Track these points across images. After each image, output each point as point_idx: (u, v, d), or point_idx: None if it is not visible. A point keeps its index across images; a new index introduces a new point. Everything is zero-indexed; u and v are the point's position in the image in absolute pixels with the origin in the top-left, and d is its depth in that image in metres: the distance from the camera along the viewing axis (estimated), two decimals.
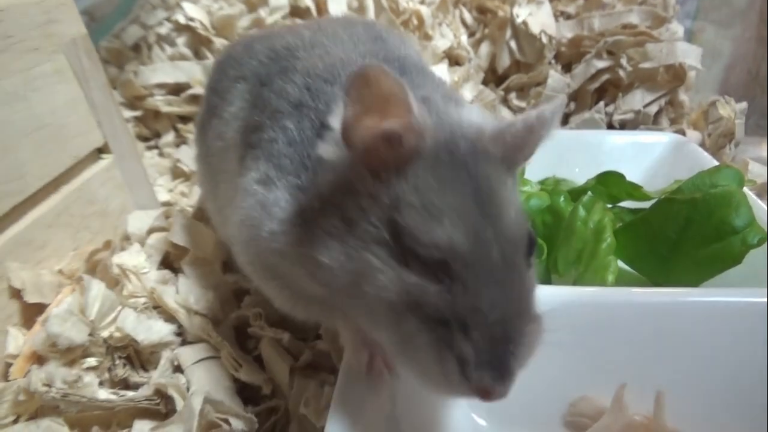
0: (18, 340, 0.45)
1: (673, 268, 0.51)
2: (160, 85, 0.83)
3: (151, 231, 0.58)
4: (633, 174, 0.65)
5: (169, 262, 0.56)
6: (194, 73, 0.83)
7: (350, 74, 0.30)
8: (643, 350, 0.42)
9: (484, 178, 0.32)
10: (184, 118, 0.84)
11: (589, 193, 0.56)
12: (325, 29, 0.46)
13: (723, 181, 0.51)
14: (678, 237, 0.50)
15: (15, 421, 0.41)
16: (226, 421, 0.39)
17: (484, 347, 0.29)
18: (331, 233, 0.33)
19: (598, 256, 0.50)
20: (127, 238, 0.58)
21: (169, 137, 0.82)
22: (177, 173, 0.77)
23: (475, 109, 0.37)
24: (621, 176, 0.59)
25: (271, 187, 0.37)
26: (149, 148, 0.83)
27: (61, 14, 0.53)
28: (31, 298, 0.46)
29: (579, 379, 0.42)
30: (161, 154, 0.82)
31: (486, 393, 0.29)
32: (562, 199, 0.56)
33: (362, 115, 0.31)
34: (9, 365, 0.44)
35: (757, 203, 0.53)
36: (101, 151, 0.59)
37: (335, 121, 0.33)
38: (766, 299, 0.41)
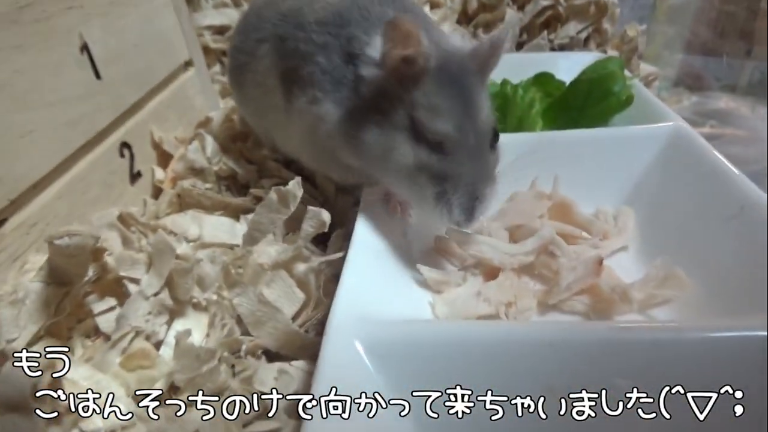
0: (159, 173, 0.70)
1: (580, 124, 0.76)
2: (209, 27, 1.06)
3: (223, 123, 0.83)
4: (566, 80, 0.90)
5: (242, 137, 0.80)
6: (233, 18, 1.07)
7: (386, 23, 0.43)
8: (556, 164, 0.65)
9: (467, 87, 0.46)
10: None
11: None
12: None
13: (611, 66, 0.76)
14: (582, 103, 0.76)
15: (168, 214, 0.66)
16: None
17: (462, 198, 0.45)
18: (372, 122, 0.47)
19: (530, 118, 0.76)
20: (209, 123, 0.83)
21: (216, 67, 1.06)
22: (225, 92, 1.01)
23: (457, 36, 0.55)
24: (551, 75, 0.84)
25: (321, 103, 0.50)
26: None
27: None
28: (166, 147, 0.71)
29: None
30: (211, 80, 1.06)
31: (461, 225, 0.47)
32: (509, 87, 0.82)
33: (392, 48, 0.44)
34: (158, 188, 0.69)
35: (643, 89, 0.78)
36: (188, 64, 0.83)
37: (372, 51, 0.47)
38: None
